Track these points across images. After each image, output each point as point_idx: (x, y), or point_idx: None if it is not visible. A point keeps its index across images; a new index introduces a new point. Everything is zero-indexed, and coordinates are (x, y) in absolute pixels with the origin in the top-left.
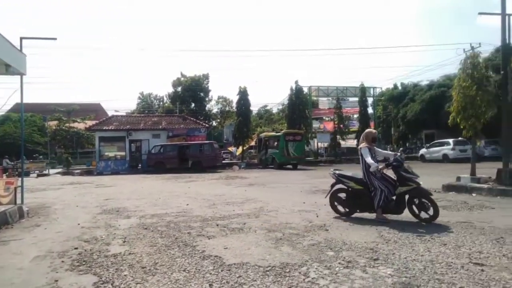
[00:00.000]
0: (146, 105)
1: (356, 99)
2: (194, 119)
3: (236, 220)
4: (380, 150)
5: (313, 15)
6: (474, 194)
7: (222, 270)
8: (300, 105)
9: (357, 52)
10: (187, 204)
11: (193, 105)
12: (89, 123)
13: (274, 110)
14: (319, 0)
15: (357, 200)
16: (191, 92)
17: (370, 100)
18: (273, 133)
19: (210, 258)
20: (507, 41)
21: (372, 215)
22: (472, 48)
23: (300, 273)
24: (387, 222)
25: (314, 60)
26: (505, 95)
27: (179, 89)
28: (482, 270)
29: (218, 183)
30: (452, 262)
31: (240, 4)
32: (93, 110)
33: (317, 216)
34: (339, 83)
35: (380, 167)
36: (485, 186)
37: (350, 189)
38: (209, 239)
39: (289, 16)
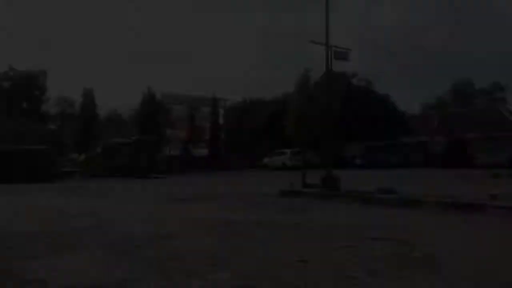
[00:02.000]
0: None
1: (209, 108)
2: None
3: (71, 234)
4: None
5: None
6: (303, 198)
7: None
8: (153, 112)
9: (210, 63)
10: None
11: (25, 104)
12: None
13: (126, 115)
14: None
15: None
16: (23, 88)
17: (221, 111)
18: (123, 140)
19: (31, 283)
20: (330, 68)
21: None
22: (307, 71)
23: None
24: None
25: (169, 67)
26: (329, 114)
27: (7, 84)
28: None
29: (53, 194)
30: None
31: None
32: None
33: (165, 225)
34: (193, 92)
35: None
36: (312, 190)
37: None
38: (32, 260)
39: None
